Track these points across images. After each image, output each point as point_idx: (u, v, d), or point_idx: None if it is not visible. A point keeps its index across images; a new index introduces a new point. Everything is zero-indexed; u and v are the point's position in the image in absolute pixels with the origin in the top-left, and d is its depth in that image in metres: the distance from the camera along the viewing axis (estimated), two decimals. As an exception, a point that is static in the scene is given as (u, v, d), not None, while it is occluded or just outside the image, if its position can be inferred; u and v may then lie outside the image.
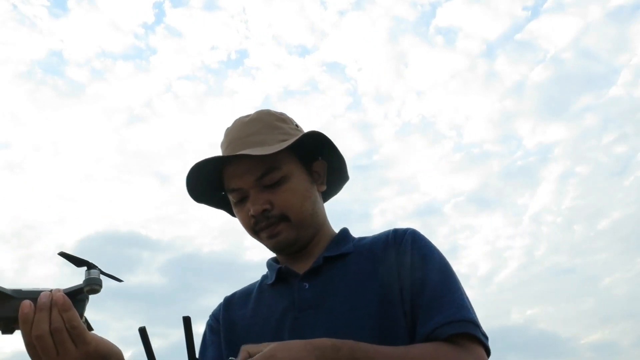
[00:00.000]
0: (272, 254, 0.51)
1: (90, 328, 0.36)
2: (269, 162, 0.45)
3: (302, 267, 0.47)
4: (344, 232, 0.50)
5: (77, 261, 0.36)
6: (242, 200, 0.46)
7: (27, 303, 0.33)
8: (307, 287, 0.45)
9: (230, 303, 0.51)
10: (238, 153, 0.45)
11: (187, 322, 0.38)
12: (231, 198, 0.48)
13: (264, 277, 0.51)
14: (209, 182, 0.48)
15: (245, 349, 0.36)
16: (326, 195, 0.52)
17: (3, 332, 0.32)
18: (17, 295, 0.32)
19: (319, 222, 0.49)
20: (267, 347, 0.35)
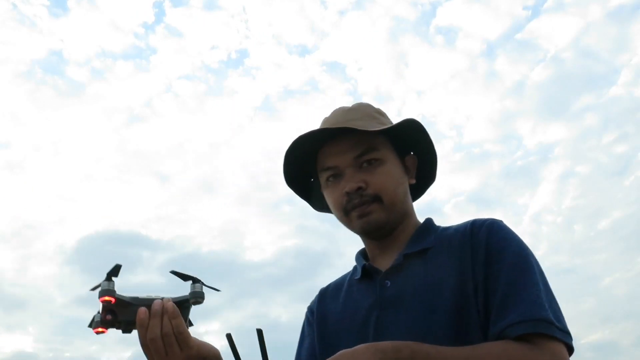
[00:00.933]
0: (361, 246, 0.52)
1: (191, 324, 0.42)
2: (368, 143, 0.46)
3: (385, 263, 0.48)
4: (428, 223, 0.50)
5: (185, 277, 0.42)
6: (337, 179, 0.47)
7: (143, 309, 0.38)
8: (388, 285, 0.46)
9: (324, 295, 0.52)
10: (342, 126, 0.46)
11: (260, 334, 0.41)
12: (325, 176, 0.48)
13: (354, 270, 0.52)
14: (301, 166, 0.49)
15: None
16: (414, 194, 0.53)
17: (123, 332, 0.38)
18: (135, 302, 0.39)
19: (407, 211, 0.49)
20: (334, 356, 0.38)
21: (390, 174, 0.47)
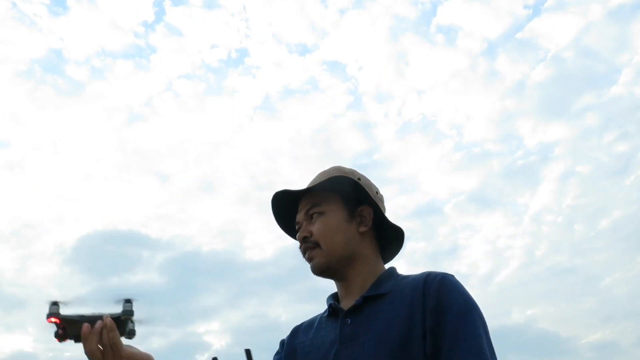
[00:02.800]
0: (334, 289, 0.59)
1: (133, 333, 0.51)
2: (314, 200, 0.56)
3: (349, 304, 0.54)
4: (390, 271, 0.57)
5: (125, 301, 0.51)
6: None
7: (86, 325, 0.47)
8: (348, 322, 0.52)
9: (297, 331, 0.59)
10: (281, 190, 0.57)
11: (248, 353, 0.46)
12: (297, 228, 0.58)
13: (325, 310, 0.58)
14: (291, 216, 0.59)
15: None
16: (386, 254, 0.59)
17: (75, 342, 0.49)
18: (81, 320, 0.48)
19: (354, 256, 0.56)
20: None
21: (328, 223, 0.55)
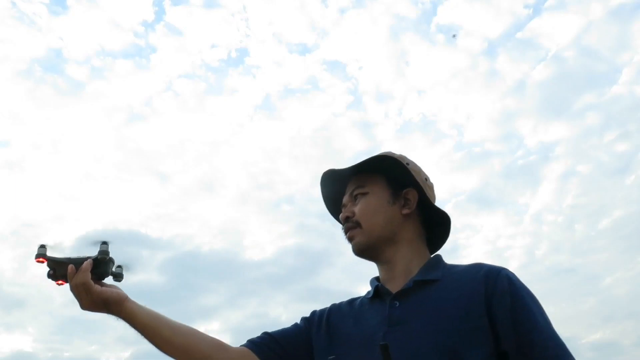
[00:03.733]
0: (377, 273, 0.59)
1: (120, 276, 0.58)
2: (359, 181, 0.57)
3: (396, 287, 0.54)
4: (437, 259, 0.57)
5: (101, 243, 0.58)
6: None
7: (70, 267, 0.54)
8: (397, 305, 0.52)
9: (338, 309, 0.58)
10: (327, 170, 0.59)
11: (385, 349, 0.46)
12: None
13: (367, 292, 0.58)
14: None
15: None
16: (433, 242, 0.59)
17: (66, 282, 0.54)
18: (67, 261, 0.55)
19: (394, 238, 0.56)
20: None
21: (370, 203, 0.56)
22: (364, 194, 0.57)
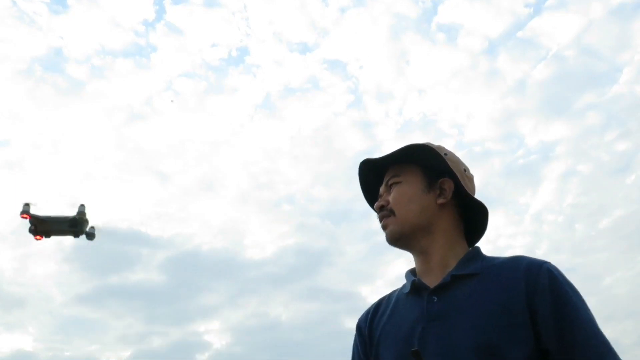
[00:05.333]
0: (412, 265, 0.58)
1: (92, 236, 0.98)
2: (394, 171, 0.57)
3: (433, 281, 0.53)
4: (475, 251, 0.56)
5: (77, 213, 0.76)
6: None
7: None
8: (435, 300, 0.51)
9: (377, 308, 0.58)
10: (365, 160, 0.59)
11: (416, 355, 0.45)
12: None
13: (403, 286, 0.58)
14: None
15: None
16: (471, 233, 0.58)
17: (46, 237, 1.04)
18: (48, 219, 0.96)
19: (429, 227, 0.55)
20: None
21: (404, 191, 0.56)
22: (398, 183, 0.57)
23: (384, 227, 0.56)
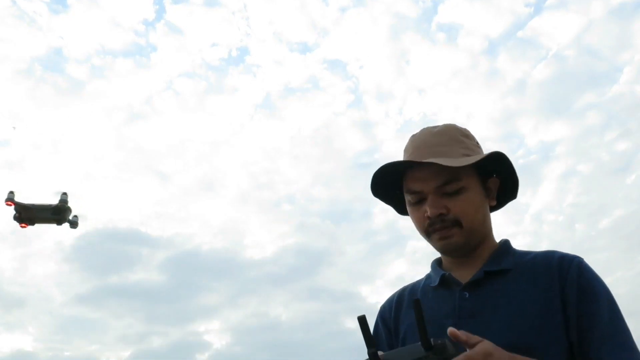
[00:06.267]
0: (437, 255, 0.55)
1: (75, 224, 0.84)
2: (452, 173, 0.49)
3: (464, 276, 0.51)
4: (506, 245, 0.53)
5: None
6: (420, 202, 0.51)
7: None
8: (467, 296, 0.49)
9: (400, 299, 0.55)
10: (428, 160, 0.49)
11: (417, 305, 0.41)
12: (409, 198, 0.52)
13: (427, 277, 0.55)
14: (388, 180, 0.53)
15: (464, 333, 0.40)
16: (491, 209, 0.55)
17: (29, 225, 0.82)
18: (33, 207, 0.78)
19: (487, 233, 0.52)
20: (483, 343, 0.40)
21: (471, 200, 0.50)
22: (460, 189, 0.49)
23: (443, 238, 0.50)
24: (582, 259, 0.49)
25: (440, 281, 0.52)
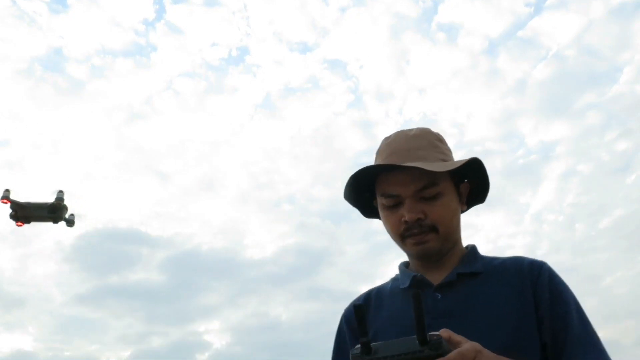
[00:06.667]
0: (405, 258, 0.55)
1: (72, 222, 0.80)
2: (430, 178, 0.49)
3: (434, 278, 0.51)
4: (474, 249, 0.54)
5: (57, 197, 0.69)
6: (396, 205, 0.50)
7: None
8: (439, 297, 0.49)
9: (366, 302, 0.54)
10: (410, 164, 0.48)
11: (417, 297, 0.39)
12: (384, 202, 0.51)
13: (394, 280, 0.55)
14: (360, 183, 0.52)
15: (447, 331, 0.40)
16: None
17: (25, 223, 0.79)
18: (28, 205, 0.73)
19: (458, 238, 0.53)
20: (470, 343, 0.39)
21: (447, 205, 0.50)
22: (438, 194, 0.49)
23: (419, 243, 0.50)
24: (549, 265, 0.51)
25: (411, 283, 0.51)
